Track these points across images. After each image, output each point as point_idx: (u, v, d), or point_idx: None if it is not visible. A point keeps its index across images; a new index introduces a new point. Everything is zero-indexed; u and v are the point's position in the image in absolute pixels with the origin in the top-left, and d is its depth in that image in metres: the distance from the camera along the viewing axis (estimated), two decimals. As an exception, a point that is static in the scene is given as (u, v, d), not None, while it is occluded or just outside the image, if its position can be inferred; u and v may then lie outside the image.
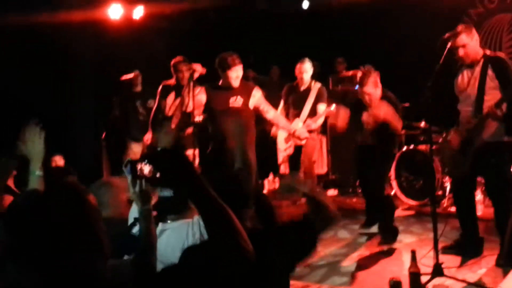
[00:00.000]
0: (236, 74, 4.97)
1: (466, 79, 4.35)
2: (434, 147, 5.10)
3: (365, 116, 5.09)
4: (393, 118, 4.91)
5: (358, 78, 5.39)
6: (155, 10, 7.60)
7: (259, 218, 2.36)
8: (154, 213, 2.11)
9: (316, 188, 2.52)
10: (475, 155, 4.25)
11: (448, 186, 6.26)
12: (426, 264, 4.03)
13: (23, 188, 2.99)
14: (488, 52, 4.37)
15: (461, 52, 4.28)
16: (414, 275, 3.67)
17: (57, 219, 1.39)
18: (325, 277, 4.24)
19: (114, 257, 1.69)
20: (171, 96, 5.94)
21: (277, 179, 7.49)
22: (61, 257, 1.38)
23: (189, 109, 5.09)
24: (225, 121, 5.04)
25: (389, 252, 4.81)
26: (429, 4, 7.35)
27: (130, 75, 6.76)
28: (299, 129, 5.58)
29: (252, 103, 5.11)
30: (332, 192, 7.45)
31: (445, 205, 6.09)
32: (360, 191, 6.22)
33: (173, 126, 5.64)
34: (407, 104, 6.35)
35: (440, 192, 6.35)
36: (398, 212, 5.73)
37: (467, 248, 4.46)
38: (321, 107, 6.14)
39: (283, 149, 6.45)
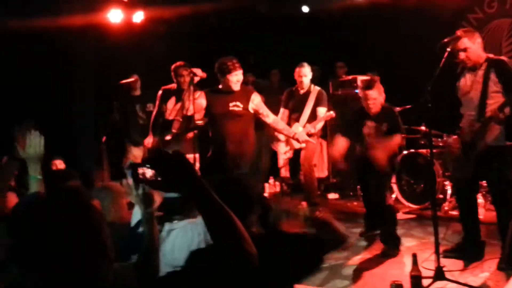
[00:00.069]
0: (236, 78, 4.98)
1: (469, 83, 4.35)
2: (434, 150, 5.08)
3: (366, 129, 5.06)
4: (393, 151, 4.89)
5: (359, 82, 5.37)
6: (155, 14, 7.61)
7: (261, 222, 2.35)
8: (161, 213, 2.11)
9: (326, 215, 2.49)
10: (478, 159, 4.25)
11: (448, 189, 6.27)
12: (427, 268, 4.03)
13: (23, 190, 2.98)
14: (491, 55, 4.36)
15: (462, 55, 4.29)
16: (416, 279, 3.67)
17: (62, 223, 1.39)
18: (326, 280, 4.22)
19: (119, 259, 1.68)
20: (172, 100, 5.94)
21: (277, 182, 7.48)
22: (65, 261, 1.37)
23: (190, 112, 5.10)
24: (225, 124, 5.05)
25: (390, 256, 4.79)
26: (428, 10, 7.35)
27: (129, 79, 6.76)
28: (298, 133, 5.57)
29: (251, 107, 5.12)
30: (333, 195, 7.44)
31: (446, 208, 6.08)
32: (361, 194, 6.20)
33: (174, 130, 5.64)
34: (408, 106, 6.37)
35: (441, 196, 6.34)
36: (399, 216, 5.71)
37: (469, 251, 4.45)
38: (321, 110, 6.14)
39: (283, 153, 6.46)
